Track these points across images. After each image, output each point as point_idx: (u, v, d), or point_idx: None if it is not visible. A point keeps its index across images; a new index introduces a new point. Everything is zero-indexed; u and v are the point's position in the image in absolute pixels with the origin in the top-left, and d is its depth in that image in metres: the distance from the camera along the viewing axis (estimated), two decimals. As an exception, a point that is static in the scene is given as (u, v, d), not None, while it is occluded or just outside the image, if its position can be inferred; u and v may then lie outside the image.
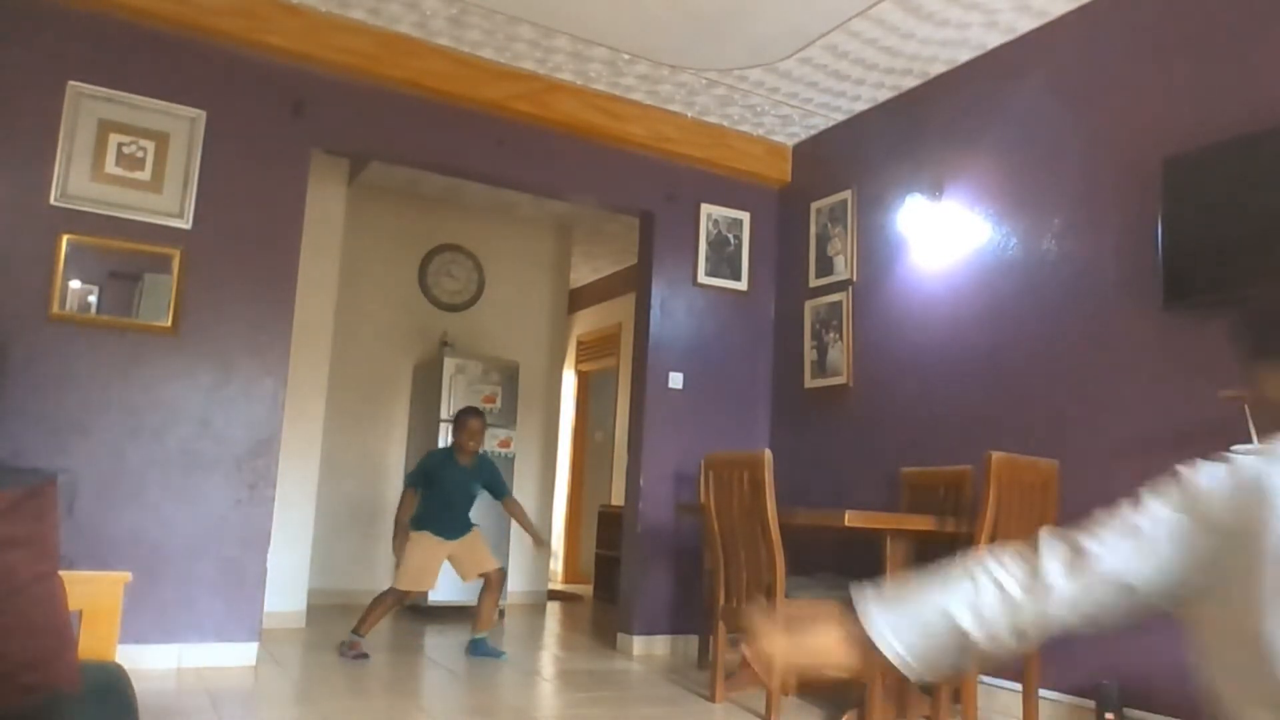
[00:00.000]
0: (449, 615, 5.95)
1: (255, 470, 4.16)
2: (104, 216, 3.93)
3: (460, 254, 7.05)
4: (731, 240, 5.48)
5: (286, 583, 5.25)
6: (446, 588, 6.05)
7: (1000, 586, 1.19)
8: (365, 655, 4.34)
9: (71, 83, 3.91)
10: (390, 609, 4.58)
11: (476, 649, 4.60)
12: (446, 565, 4.72)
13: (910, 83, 4.73)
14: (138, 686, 1.77)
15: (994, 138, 4.28)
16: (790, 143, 5.59)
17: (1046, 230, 3.97)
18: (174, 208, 4.07)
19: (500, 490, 4.88)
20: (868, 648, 1.20)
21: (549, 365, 7.33)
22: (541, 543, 5.05)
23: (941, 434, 4.31)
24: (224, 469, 4.10)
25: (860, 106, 5.05)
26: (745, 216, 5.52)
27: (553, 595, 7.48)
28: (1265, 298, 1.41)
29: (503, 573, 4.82)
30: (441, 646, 4.89)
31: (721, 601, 3.90)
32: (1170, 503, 1.17)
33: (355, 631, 4.44)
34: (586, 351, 9.26)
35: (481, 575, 4.71)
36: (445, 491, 4.67)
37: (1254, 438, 3.10)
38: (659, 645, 5.03)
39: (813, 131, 5.41)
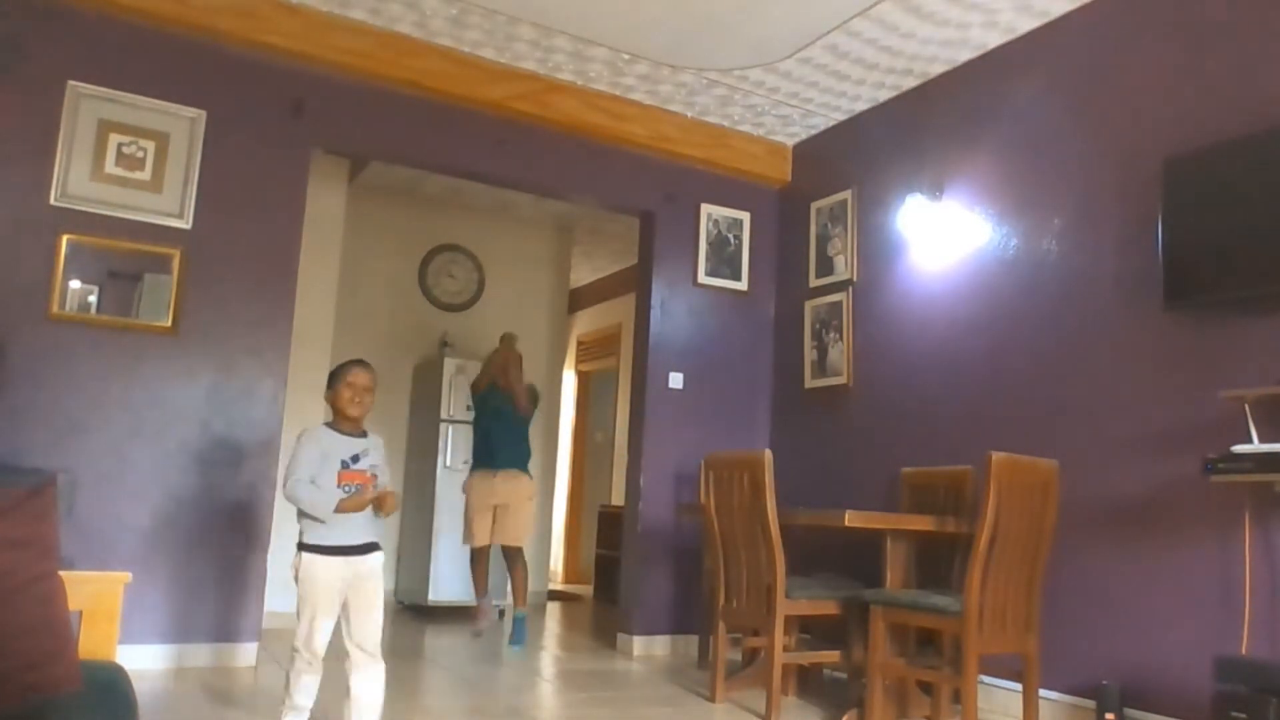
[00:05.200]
0: (449, 615, 5.94)
1: (255, 470, 4.16)
2: (104, 216, 3.93)
3: (460, 254, 7.05)
4: (731, 240, 5.48)
5: (286, 583, 5.23)
6: (446, 588, 6.08)
7: None
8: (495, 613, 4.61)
9: (71, 83, 3.91)
10: (480, 566, 4.65)
11: (515, 629, 4.68)
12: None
13: (910, 83, 4.73)
14: (138, 686, 1.77)
15: (994, 138, 4.28)
16: (790, 143, 5.59)
17: (1046, 230, 3.97)
18: (174, 208, 4.07)
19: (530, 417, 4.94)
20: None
21: (549, 365, 7.33)
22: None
23: (941, 434, 4.31)
24: (224, 469, 4.10)
25: (860, 106, 5.05)
26: (745, 216, 5.52)
27: (553, 595, 7.48)
28: None
29: (520, 552, 4.76)
30: (441, 646, 4.89)
31: (722, 601, 3.90)
32: None
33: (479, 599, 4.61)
34: (586, 351, 9.26)
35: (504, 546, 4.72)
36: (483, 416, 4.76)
37: (1254, 437, 3.13)
38: (659, 645, 5.03)
39: (813, 131, 5.41)
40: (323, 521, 2.82)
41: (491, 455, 4.61)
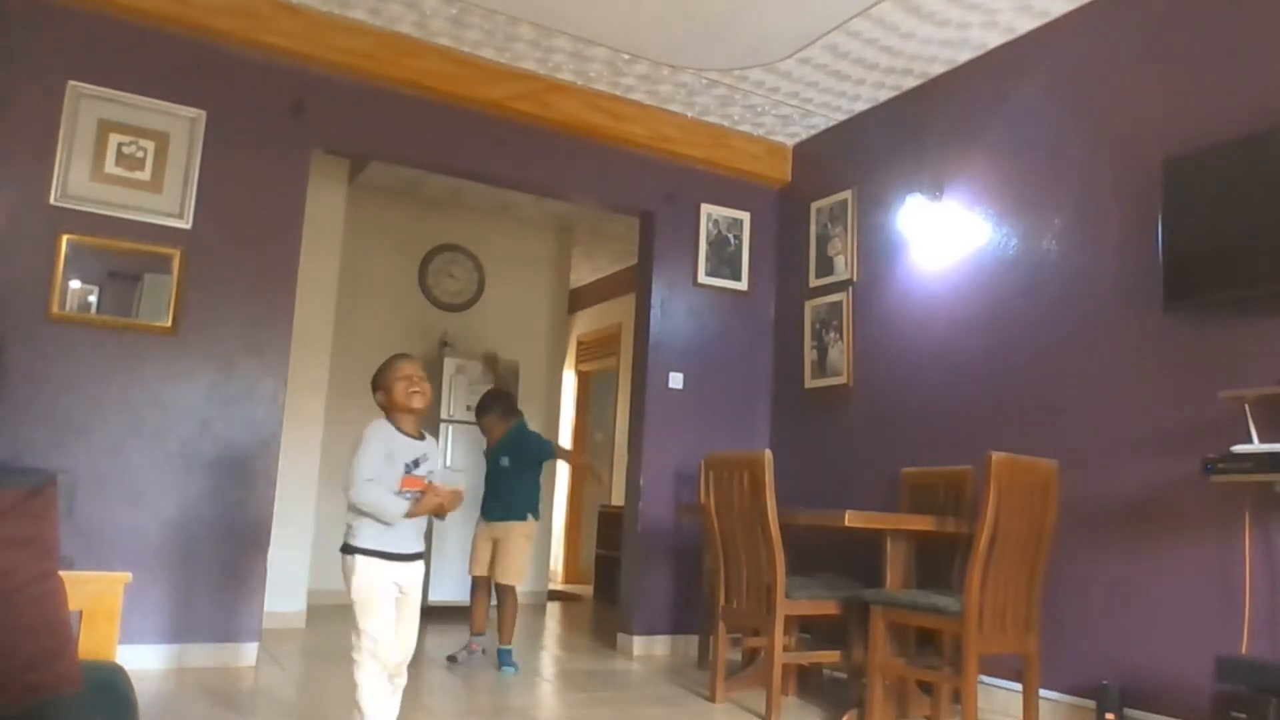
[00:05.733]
0: (449, 615, 5.94)
1: (255, 470, 4.16)
2: (104, 216, 3.93)
3: (460, 254, 7.05)
4: (731, 240, 5.48)
5: (286, 583, 5.25)
6: (446, 587, 6.08)
7: None
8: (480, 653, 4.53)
9: (71, 83, 3.91)
10: (477, 597, 4.62)
11: (500, 659, 4.44)
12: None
13: (910, 83, 4.73)
14: (138, 686, 1.77)
15: (994, 138, 4.28)
16: (790, 143, 5.59)
17: (1046, 230, 3.97)
18: (174, 208, 4.07)
19: (540, 454, 4.80)
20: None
21: (549, 365, 7.33)
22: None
23: (941, 434, 4.31)
24: (224, 469, 4.10)
25: (860, 106, 5.04)
26: (745, 216, 5.52)
27: (553, 595, 7.48)
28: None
29: (510, 590, 4.55)
30: (442, 646, 4.89)
31: (722, 601, 3.90)
32: None
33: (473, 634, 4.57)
34: (586, 351, 9.26)
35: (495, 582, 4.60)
36: (486, 471, 4.74)
37: (1254, 437, 3.13)
38: (659, 645, 5.04)
39: (813, 131, 5.41)
40: (388, 525, 2.62)
41: (487, 505, 4.69)
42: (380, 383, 2.76)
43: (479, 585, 4.62)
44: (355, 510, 2.64)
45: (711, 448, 4.57)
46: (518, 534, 4.59)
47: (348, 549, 2.65)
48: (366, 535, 2.63)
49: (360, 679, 2.63)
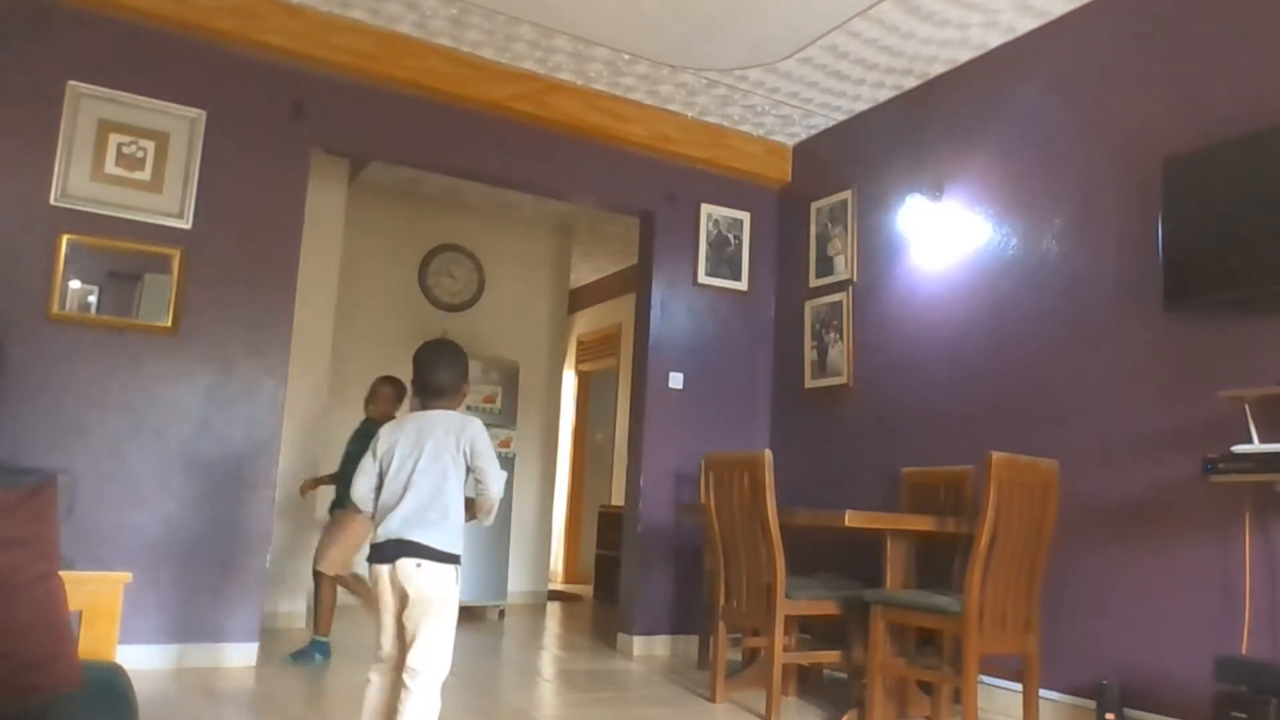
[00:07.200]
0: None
1: (255, 470, 4.15)
2: (104, 216, 3.93)
3: (460, 254, 7.05)
4: (731, 240, 5.48)
5: (286, 583, 5.25)
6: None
7: None
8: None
9: (71, 83, 3.91)
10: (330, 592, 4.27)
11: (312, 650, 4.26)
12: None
13: (910, 83, 4.73)
14: (138, 686, 1.77)
15: (994, 138, 4.28)
16: (790, 143, 5.59)
17: (1047, 230, 3.97)
18: (174, 208, 4.07)
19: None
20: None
21: (549, 365, 7.33)
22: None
23: (941, 434, 4.31)
24: (224, 469, 4.10)
25: (860, 106, 5.04)
26: (745, 216, 5.52)
27: (553, 595, 7.48)
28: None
29: (322, 578, 4.28)
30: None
31: (722, 601, 3.90)
32: None
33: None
34: (586, 351, 9.26)
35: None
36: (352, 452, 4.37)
37: (1254, 437, 3.12)
38: (659, 645, 5.03)
39: (813, 131, 5.41)
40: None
41: (342, 493, 4.25)
42: (467, 377, 2.57)
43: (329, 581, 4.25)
44: (470, 512, 2.40)
45: (711, 448, 4.57)
46: (346, 519, 3.90)
47: (454, 558, 2.30)
48: (458, 543, 2.34)
49: (437, 702, 2.30)
